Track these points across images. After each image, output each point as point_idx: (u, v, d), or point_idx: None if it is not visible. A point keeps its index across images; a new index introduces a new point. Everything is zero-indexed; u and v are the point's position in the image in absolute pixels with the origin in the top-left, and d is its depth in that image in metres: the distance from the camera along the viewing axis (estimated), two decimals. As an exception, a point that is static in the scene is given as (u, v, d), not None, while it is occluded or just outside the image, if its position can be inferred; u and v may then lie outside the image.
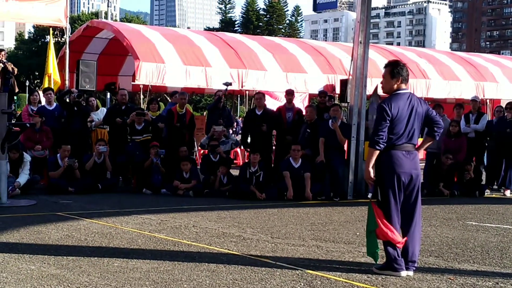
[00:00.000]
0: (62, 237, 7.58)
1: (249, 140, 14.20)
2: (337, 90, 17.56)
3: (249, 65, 18.00)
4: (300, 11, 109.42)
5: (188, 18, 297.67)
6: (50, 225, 8.38)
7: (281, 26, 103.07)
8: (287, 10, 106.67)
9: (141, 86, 16.46)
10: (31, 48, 78.06)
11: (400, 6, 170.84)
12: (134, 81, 16.75)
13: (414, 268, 6.04)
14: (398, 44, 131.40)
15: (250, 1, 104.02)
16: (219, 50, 18.13)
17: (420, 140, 6.51)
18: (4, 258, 6.32)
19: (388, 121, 5.95)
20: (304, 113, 13.67)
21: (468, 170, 13.51)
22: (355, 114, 12.62)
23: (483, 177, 14.44)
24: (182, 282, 5.58)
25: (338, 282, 5.71)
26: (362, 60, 12.66)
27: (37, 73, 69.06)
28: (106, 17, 24.04)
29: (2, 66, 15.68)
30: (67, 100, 14.11)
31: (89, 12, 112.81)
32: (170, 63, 16.72)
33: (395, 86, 6.11)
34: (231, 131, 15.95)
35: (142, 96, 16.82)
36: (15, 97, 18.79)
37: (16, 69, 16.35)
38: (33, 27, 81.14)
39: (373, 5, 14.25)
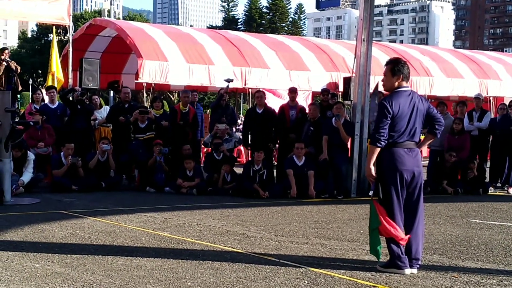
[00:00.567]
0: (66, 235, 7.59)
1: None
2: (340, 88, 17.56)
3: (252, 63, 17.99)
4: (303, 9, 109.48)
5: (191, 16, 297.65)
6: (54, 223, 8.40)
7: (284, 24, 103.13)
8: (290, 8, 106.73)
9: (144, 84, 16.47)
10: (34, 47, 78.17)
11: (403, 4, 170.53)
12: (137, 79, 16.75)
13: (418, 266, 6.04)
14: (401, 41, 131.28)
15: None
16: (222, 48, 18.12)
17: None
18: (8, 256, 6.33)
19: (389, 119, 5.96)
20: (307, 111, 13.66)
21: (472, 168, 13.49)
22: (358, 112, 12.62)
23: (487, 174, 14.43)
24: (186, 280, 5.58)
25: (342, 280, 5.71)
26: (365, 58, 12.65)
27: (40, 72, 69.13)
28: (109, 15, 24.05)
29: (6, 64, 15.70)
30: (71, 98, 14.11)
31: (92, 10, 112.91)
32: (173, 61, 16.72)
33: (396, 83, 6.12)
34: (234, 129, 15.93)
35: (145, 94, 16.82)
36: (18, 96, 18.79)
37: (19, 68, 16.36)
38: (36, 25, 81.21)
39: (376, 3, 14.22)
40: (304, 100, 18.41)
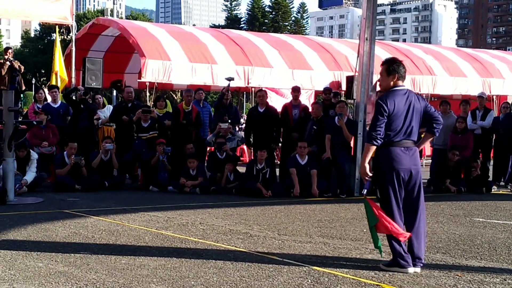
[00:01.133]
0: (69, 235, 7.60)
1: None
2: (343, 87, 17.56)
3: (255, 62, 17.99)
4: (305, 8, 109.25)
5: (194, 15, 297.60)
6: (57, 223, 8.41)
7: (286, 23, 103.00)
8: (293, 7, 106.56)
9: (147, 84, 16.48)
10: (37, 46, 78.11)
11: (406, 3, 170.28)
12: (140, 79, 16.77)
13: (421, 265, 6.03)
14: (404, 40, 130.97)
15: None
16: (225, 47, 18.13)
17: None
18: (12, 256, 6.34)
19: (385, 117, 5.96)
20: (310, 110, 13.65)
21: (475, 167, 13.48)
22: (361, 110, 12.59)
23: (490, 173, 14.41)
24: (189, 279, 5.58)
25: (345, 278, 5.71)
26: (368, 57, 12.63)
27: (43, 71, 69.14)
28: (111, 15, 24.03)
29: (9, 64, 15.74)
30: (74, 97, 14.13)
31: (95, 9, 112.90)
32: (176, 60, 16.73)
33: (392, 83, 6.14)
34: (237, 128, 15.93)
35: (148, 94, 16.83)
36: (21, 95, 18.82)
37: (22, 67, 16.41)
38: (39, 25, 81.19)
39: (379, 2, 14.22)
40: (307, 99, 18.43)
